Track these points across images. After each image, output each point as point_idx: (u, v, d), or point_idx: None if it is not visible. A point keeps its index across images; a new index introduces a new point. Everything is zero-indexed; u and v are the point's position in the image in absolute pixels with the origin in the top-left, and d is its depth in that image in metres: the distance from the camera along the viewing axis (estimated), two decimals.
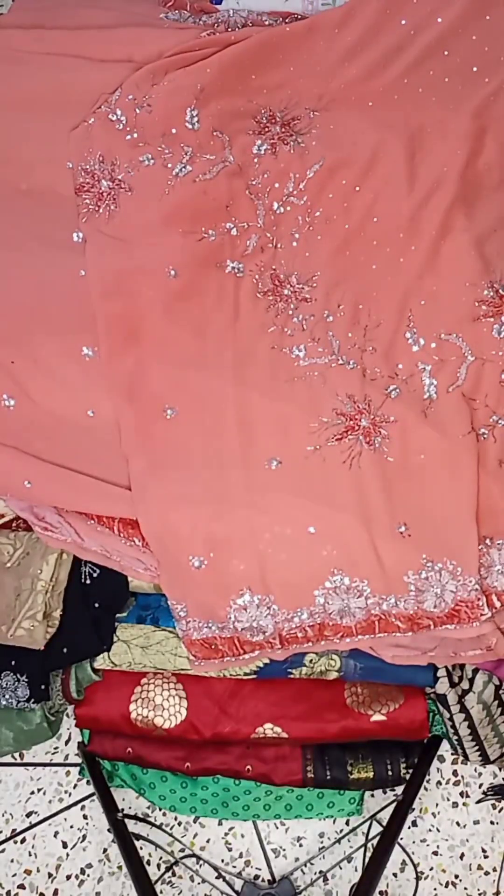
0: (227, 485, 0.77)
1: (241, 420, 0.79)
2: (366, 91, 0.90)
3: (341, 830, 1.02)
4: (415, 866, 1.01)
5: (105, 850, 1.02)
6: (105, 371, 0.82)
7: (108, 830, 0.96)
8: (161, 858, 1.01)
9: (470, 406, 0.79)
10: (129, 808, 1.03)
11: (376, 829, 0.96)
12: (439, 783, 1.04)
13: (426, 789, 1.03)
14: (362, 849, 0.97)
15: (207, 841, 1.02)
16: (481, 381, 0.80)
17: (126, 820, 0.92)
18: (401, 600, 0.75)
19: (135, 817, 0.99)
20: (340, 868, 1.01)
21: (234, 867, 1.01)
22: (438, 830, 1.03)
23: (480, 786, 1.04)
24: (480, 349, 0.81)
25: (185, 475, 0.78)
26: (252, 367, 0.82)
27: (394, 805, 0.92)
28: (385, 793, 1.01)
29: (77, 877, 1.02)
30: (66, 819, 1.04)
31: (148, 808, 1.03)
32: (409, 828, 1.02)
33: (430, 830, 1.03)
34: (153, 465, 0.78)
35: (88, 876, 1.02)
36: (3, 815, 1.04)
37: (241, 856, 1.02)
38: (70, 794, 1.04)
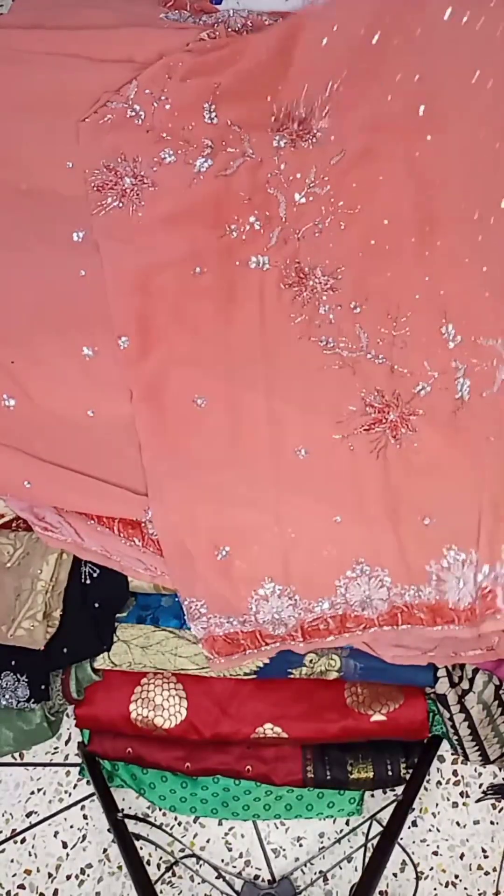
0: (254, 474, 0.77)
1: (270, 409, 0.79)
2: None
3: (341, 830, 1.02)
4: (415, 866, 1.01)
5: (105, 850, 1.02)
6: (126, 370, 0.82)
7: (108, 830, 0.96)
8: (161, 858, 1.01)
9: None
10: (129, 808, 1.03)
11: (376, 829, 0.96)
12: (439, 783, 1.04)
13: (426, 789, 1.03)
14: (362, 849, 0.97)
15: (207, 841, 1.02)
16: None
17: (126, 820, 0.92)
18: (423, 590, 0.75)
19: (135, 817, 0.99)
20: (340, 868, 1.01)
21: (234, 867, 1.01)
22: (438, 830, 1.03)
23: (480, 786, 1.04)
24: None
25: (211, 466, 0.78)
26: (281, 358, 0.82)
27: (394, 805, 0.92)
28: (385, 793, 1.01)
29: (77, 877, 1.02)
30: (66, 819, 1.04)
31: (148, 808, 1.03)
32: (409, 828, 1.02)
33: (430, 830, 1.03)
34: (177, 461, 0.78)
35: (88, 876, 1.02)
36: (3, 815, 1.04)
37: (241, 856, 1.02)
38: (70, 794, 1.04)
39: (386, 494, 0.76)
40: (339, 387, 0.80)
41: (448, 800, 1.04)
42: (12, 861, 1.02)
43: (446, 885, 1.01)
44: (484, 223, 0.86)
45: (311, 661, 0.89)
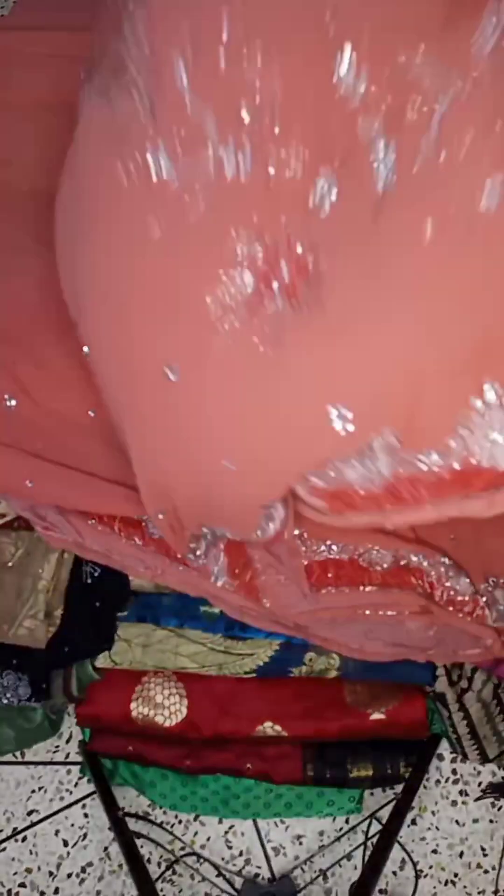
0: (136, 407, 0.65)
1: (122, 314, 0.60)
2: None
3: (341, 829, 1.03)
4: (414, 865, 1.01)
5: (106, 849, 1.03)
6: None
7: (109, 829, 0.97)
8: (162, 857, 1.01)
9: None
10: (130, 806, 1.03)
11: (376, 827, 0.97)
12: (438, 781, 1.04)
13: (425, 787, 1.03)
14: (362, 847, 0.98)
15: (208, 839, 1.03)
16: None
17: (127, 818, 0.92)
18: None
19: (135, 815, 0.99)
20: (340, 866, 1.01)
21: (235, 865, 1.02)
22: (438, 829, 1.03)
23: (479, 784, 1.04)
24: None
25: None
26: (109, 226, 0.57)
27: (393, 803, 0.92)
28: (385, 791, 1.01)
29: (78, 875, 1.02)
30: (66, 817, 1.04)
31: (149, 806, 1.03)
32: (408, 826, 1.02)
33: (429, 829, 1.03)
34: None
35: (89, 874, 1.02)
36: (4, 814, 1.04)
37: (241, 854, 1.02)
38: (71, 793, 1.05)
39: (296, 391, 0.53)
40: (186, 262, 0.52)
41: (447, 798, 1.04)
42: (13, 859, 1.03)
43: (445, 884, 1.02)
44: None
45: (310, 659, 0.90)
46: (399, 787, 0.94)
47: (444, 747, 1.02)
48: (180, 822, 1.03)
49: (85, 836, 1.03)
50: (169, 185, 0.50)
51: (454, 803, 1.04)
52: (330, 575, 0.76)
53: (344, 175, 0.47)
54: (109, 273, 0.57)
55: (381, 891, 1.01)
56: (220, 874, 0.99)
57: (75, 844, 1.03)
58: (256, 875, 1.02)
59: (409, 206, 0.47)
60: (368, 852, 0.94)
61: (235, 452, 0.58)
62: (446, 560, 0.75)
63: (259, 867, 1.02)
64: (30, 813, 1.04)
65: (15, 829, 1.04)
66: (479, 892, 1.02)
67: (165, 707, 0.92)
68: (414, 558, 0.75)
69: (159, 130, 0.50)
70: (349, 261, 0.49)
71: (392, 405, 0.52)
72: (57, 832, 1.04)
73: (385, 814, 0.92)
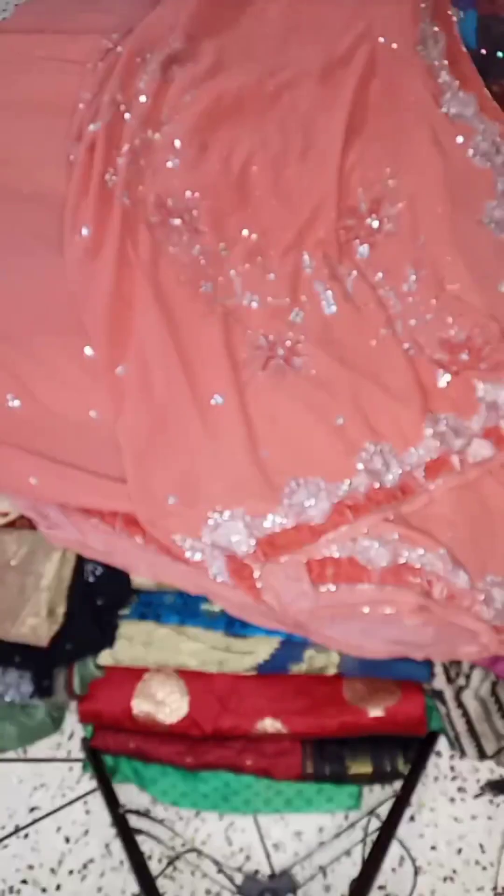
0: (182, 424, 0.82)
1: (183, 358, 0.86)
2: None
3: (340, 825, 1.03)
4: (413, 861, 1.01)
5: (107, 845, 1.03)
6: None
7: (111, 825, 0.97)
8: (163, 853, 1.02)
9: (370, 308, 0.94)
10: (131, 803, 1.03)
11: (375, 823, 0.97)
12: (437, 778, 1.05)
13: (424, 784, 1.04)
14: (361, 843, 0.98)
15: (208, 836, 1.03)
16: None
17: (128, 815, 0.93)
18: (354, 482, 0.80)
19: (137, 812, 1.00)
20: (339, 863, 1.02)
21: (235, 862, 1.02)
22: (436, 825, 1.03)
23: (478, 781, 1.05)
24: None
25: (141, 427, 0.83)
26: (172, 302, 0.89)
27: (392, 800, 0.93)
28: (383, 788, 1.02)
29: (79, 871, 1.02)
30: (68, 814, 1.04)
31: (150, 802, 1.03)
32: (406, 823, 1.03)
33: (427, 825, 1.03)
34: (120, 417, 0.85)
35: (91, 871, 1.03)
36: (6, 811, 1.05)
37: (241, 850, 1.03)
38: (73, 790, 1.05)
39: (295, 414, 0.83)
40: (227, 334, 0.88)
41: (446, 795, 1.04)
42: (15, 856, 1.03)
43: (444, 880, 1.02)
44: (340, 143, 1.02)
45: (310, 657, 0.90)
46: (398, 784, 0.95)
47: (442, 744, 1.03)
48: (181, 818, 1.04)
49: (86, 832, 1.04)
50: (216, 304, 0.92)
51: (452, 800, 1.04)
52: (329, 572, 0.77)
53: (306, 304, 0.93)
54: (181, 339, 0.87)
55: (379, 887, 1.01)
56: (220, 870, 1.00)
57: (77, 841, 1.04)
58: (256, 871, 1.02)
59: (349, 323, 0.92)
60: (367, 849, 0.95)
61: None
62: (446, 555, 0.76)
63: (259, 863, 1.03)
64: (32, 810, 1.05)
65: (17, 825, 1.04)
66: (477, 889, 1.02)
67: (166, 704, 0.93)
68: (413, 556, 0.76)
69: (209, 276, 0.93)
70: (316, 346, 0.90)
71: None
72: (59, 829, 1.04)
73: (384, 810, 0.93)
